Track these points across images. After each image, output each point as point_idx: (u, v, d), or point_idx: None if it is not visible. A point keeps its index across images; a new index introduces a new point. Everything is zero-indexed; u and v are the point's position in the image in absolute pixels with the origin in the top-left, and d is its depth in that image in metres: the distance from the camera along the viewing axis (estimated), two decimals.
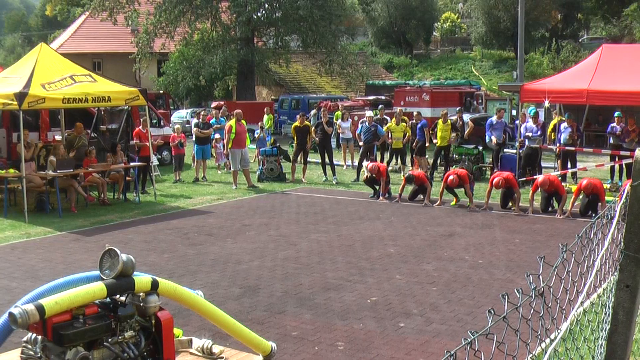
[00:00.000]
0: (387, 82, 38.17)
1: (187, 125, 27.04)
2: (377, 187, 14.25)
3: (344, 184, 16.55)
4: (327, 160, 16.94)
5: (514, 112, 22.81)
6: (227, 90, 39.88)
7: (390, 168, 16.92)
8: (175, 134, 17.45)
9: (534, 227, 11.36)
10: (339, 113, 22.14)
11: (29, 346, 3.09)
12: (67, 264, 8.99)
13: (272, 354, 3.73)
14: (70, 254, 9.62)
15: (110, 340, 2.97)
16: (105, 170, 14.16)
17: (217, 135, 18.41)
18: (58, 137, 15.66)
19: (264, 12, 32.82)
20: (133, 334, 3.05)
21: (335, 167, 17.25)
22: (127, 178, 14.61)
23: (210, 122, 18.91)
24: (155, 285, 3.14)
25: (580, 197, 12.21)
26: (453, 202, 13.43)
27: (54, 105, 13.08)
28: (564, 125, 15.76)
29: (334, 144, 19.92)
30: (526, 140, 15.45)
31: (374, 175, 14.15)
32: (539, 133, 15.51)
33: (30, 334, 3.05)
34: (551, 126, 16.50)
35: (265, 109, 25.11)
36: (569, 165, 15.65)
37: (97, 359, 2.94)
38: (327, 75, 36.49)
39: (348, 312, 6.92)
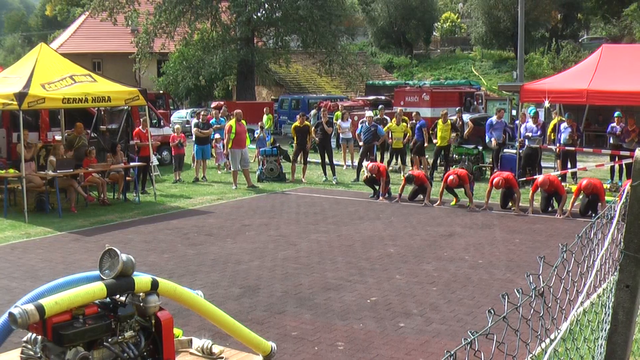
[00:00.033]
0: (387, 82, 38.14)
1: (187, 125, 27.02)
2: (377, 187, 14.25)
3: (343, 184, 16.54)
4: (327, 160, 16.94)
5: (514, 112, 22.78)
6: (227, 90, 39.87)
7: (390, 168, 16.93)
8: (175, 134, 17.46)
9: (534, 227, 11.36)
10: (338, 113, 22.12)
11: (29, 346, 3.09)
12: (67, 264, 8.99)
13: (272, 354, 3.73)
14: (70, 254, 9.62)
15: (110, 340, 2.96)
16: (105, 170, 14.15)
17: (217, 135, 18.41)
18: (58, 137, 15.65)
19: (263, 12, 32.82)
20: (133, 334, 3.05)
21: (335, 167, 17.25)
22: (127, 178, 14.61)
23: (210, 122, 18.92)
24: (155, 285, 3.14)
25: (580, 197, 12.20)
26: (453, 202, 13.43)
27: (53, 105, 13.08)
28: (563, 125, 15.76)
29: (333, 144, 19.92)
30: (526, 140, 15.44)
31: (374, 175, 14.15)
32: (538, 133, 15.51)
33: (30, 334, 3.05)
34: (551, 126, 16.49)
35: (265, 109, 25.09)
36: (569, 165, 15.65)
37: (97, 359, 2.94)
38: (327, 75, 36.48)
39: (348, 312, 6.92)
